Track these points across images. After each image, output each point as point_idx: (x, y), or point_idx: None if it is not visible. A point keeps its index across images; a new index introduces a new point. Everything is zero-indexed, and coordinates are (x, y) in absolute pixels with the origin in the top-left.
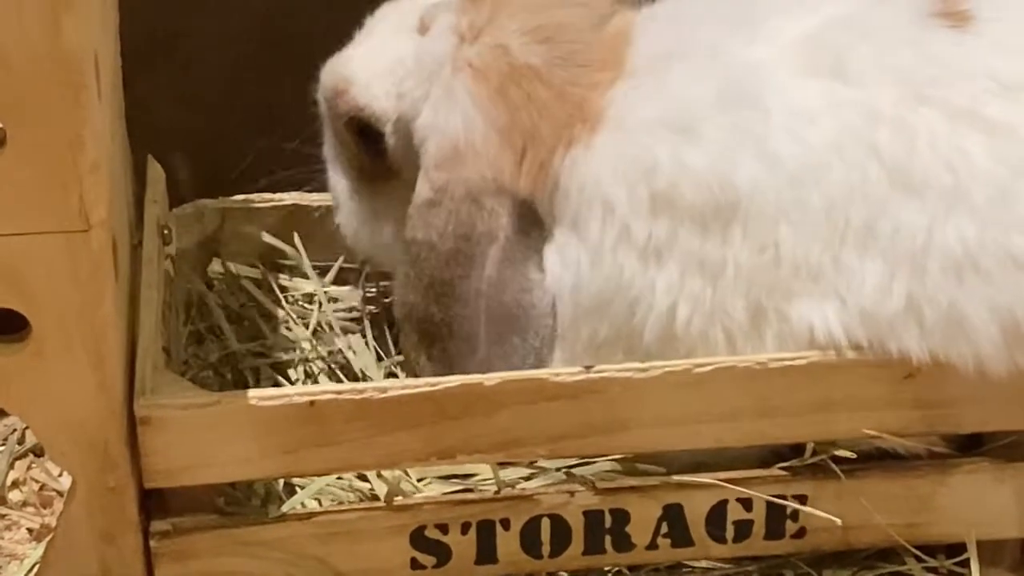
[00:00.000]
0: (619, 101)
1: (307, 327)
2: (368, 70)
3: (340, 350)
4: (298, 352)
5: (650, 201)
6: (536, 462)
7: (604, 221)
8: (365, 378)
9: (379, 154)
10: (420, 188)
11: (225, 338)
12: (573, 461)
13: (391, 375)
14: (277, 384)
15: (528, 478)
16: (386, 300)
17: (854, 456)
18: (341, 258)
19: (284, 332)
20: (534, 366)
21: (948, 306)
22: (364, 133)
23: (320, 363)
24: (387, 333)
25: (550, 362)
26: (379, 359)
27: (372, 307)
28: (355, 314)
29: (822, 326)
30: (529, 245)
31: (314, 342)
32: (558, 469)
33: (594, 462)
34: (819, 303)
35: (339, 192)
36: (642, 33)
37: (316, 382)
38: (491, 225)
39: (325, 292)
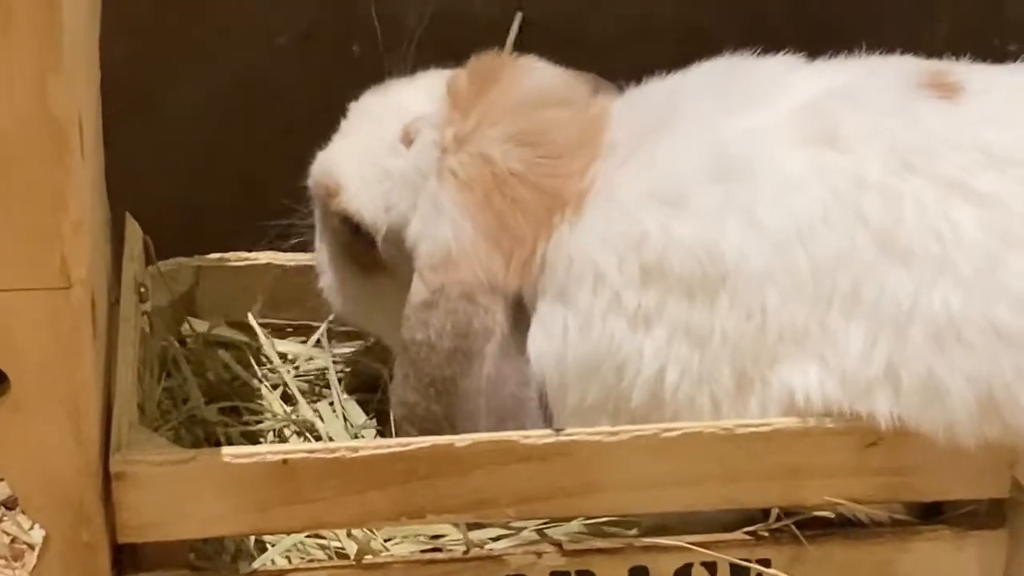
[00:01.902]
0: (604, 177)
1: (276, 389)
2: (357, 177)
3: (309, 419)
4: (263, 413)
5: (640, 272)
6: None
7: (595, 289)
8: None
9: (370, 246)
10: (416, 289)
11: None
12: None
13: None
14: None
15: (497, 538)
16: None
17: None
18: (327, 322)
19: (254, 394)
20: None
21: (926, 373)
22: (356, 230)
23: (289, 424)
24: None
25: None
26: (347, 423)
27: (342, 368)
28: (325, 373)
29: (803, 390)
30: (520, 339)
31: (284, 408)
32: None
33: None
34: (803, 366)
35: (323, 262)
36: (619, 114)
37: (285, 442)
38: (487, 322)
39: (286, 354)
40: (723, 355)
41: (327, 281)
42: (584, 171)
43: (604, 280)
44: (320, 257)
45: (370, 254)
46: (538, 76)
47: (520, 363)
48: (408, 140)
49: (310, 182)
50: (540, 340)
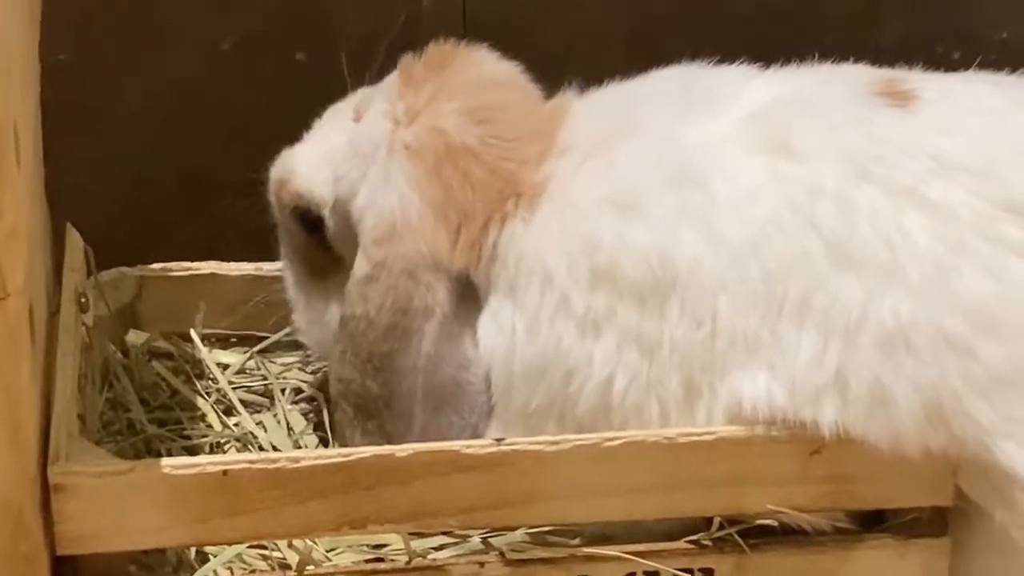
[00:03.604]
0: (561, 178)
1: (217, 401)
2: (308, 161)
3: (251, 431)
4: (205, 426)
5: (590, 275)
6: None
7: (543, 291)
8: (276, 451)
9: (324, 244)
10: (358, 264)
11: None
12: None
13: (297, 446)
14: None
15: (439, 548)
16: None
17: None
18: (283, 332)
19: (196, 407)
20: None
21: (874, 381)
22: (307, 221)
23: (230, 439)
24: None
25: (487, 430)
26: (290, 431)
27: (285, 380)
28: (268, 385)
29: (751, 397)
30: (466, 321)
31: (224, 420)
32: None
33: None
34: (753, 374)
35: (293, 293)
36: (580, 112)
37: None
38: (428, 300)
39: (225, 365)
40: (672, 363)
41: (297, 315)
42: (539, 163)
43: (552, 282)
44: (289, 291)
45: (326, 254)
46: (491, 63)
47: (461, 345)
48: (359, 116)
49: (269, 186)
50: (490, 333)
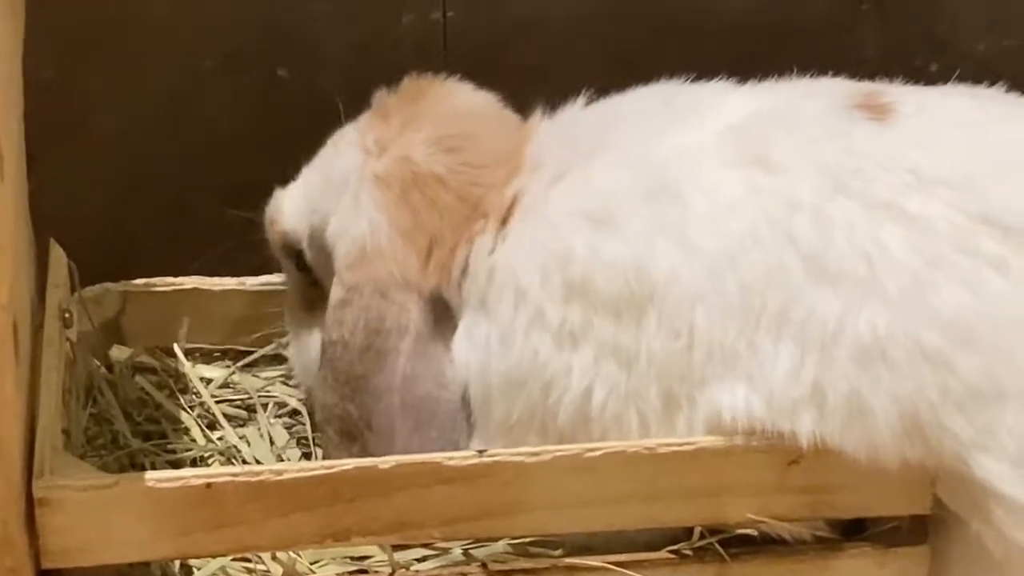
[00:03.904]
0: (534, 195)
1: (201, 415)
2: (292, 198)
3: (235, 445)
4: (188, 440)
5: (564, 288)
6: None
7: (516, 304)
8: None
9: (314, 279)
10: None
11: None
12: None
13: (280, 460)
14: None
15: (422, 559)
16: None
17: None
18: (269, 347)
19: (179, 420)
20: None
21: (852, 393)
22: (296, 257)
23: (214, 452)
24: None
25: (470, 445)
26: (273, 445)
27: (268, 393)
28: (251, 399)
29: (730, 409)
30: (440, 339)
31: (208, 433)
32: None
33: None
34: (731, 386)
35: (289, 326)
36: (547, 131)
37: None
38: (401, 319)
39: (209, 380)
40: (650, 375)
41: (292, 347)
42: (506, 183)
43: (526, 295)
44: (287, 321)
45: (316, 289)
46: (466, 94)
47: (437, 363)
48: (335, 148)
49: (265, 225)
50: (465, 348)
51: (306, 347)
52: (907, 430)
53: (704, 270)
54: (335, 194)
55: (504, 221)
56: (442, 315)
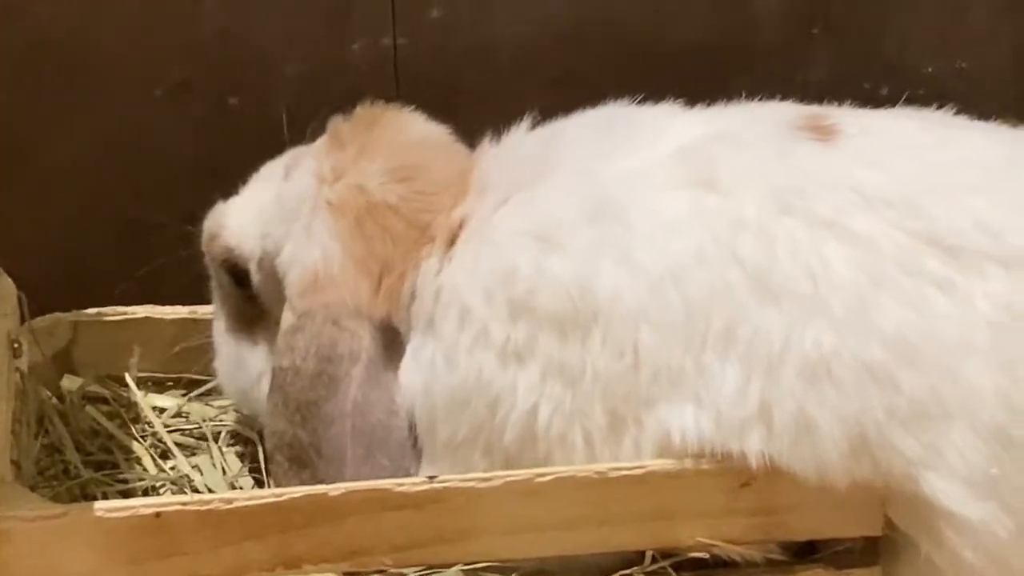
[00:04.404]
0: (479, 215)
1: (153, 445)
2: (237, 215)
3: (187, 474)
4: (141, 469)
5: (508, 306)
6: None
7: (460, 323)
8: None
9: (251, 295)
10: (285, 317)
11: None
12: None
13: (233, 488)
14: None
15: None
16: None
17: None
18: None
19: (131, 450)
20: None
21: (798, 411)
22: (236, 274)
23: (166, 482)
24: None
25: (418, 469)
26: (225, 473)
27: (221, 422)
28: (203, 429)
29: (679, 429)
30: (391, 367)
31: (160, 463)
32: None
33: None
34: (679, 406)
35: (217, 337)
36: (493, 155)
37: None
38: (353, 346)
39: (161, 409)
40: (595, 394)
41: (219, 360)
42: (452, 206)
43: (471, 313)
44: (215, 335)
45: (252, 306)
46: (417, 125)
47: (388, 391)
48: (288, 174)
49: (202, 238)
50: (410, 371)
51: (242, 363)
52: (854, 448)
53: (647, 289)
54: (288, 219)
55: (451, 243)
56: (392, 342)
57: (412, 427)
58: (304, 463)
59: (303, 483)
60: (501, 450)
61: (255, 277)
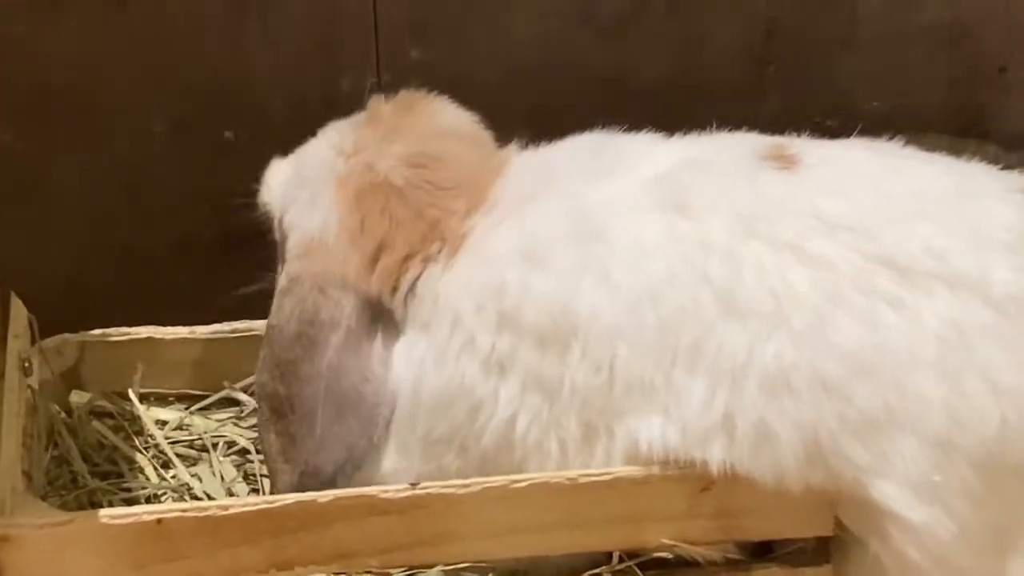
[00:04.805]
0: (480, 232)
1: (154, 456)
2: (276, 173)
3: (187, 483)
4: (144, 479)
5: (496, 317)
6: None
7: (452, 329)
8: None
9: None
10: (280, 278)
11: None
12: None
13: (230, 495)
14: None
15: None
16: (244, 428)
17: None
18: (223, 391)
19: (134, 460)
20: (366, 450)
21: (758, 420)
22: (273, 228)
23: (167, 490)
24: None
25: (384, 449)
26: (223, 481)
27: (220, 434)
28: (202, 441)
29: (647, 440)
30: (373, 339)
31: (162, 472)
32: None
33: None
34: (648, 418)
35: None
36: (513, 172)
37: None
38: (334, 314)
39: (163, 422)
40: (572, 406)
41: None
42: (465, 216)
43: (462, 322)
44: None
45: None
46: (449, 113)
47: (365, 359)
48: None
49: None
50: (404, 362)
51: None
52: (810, 456)
53: (624, 308)
54: (300, 185)
55: (455, 252)
56: (380, 318)
57: (391, 411)
58: (280, 415)
59: (279, 434)
60: (477, 452)
61: (276, 234)
